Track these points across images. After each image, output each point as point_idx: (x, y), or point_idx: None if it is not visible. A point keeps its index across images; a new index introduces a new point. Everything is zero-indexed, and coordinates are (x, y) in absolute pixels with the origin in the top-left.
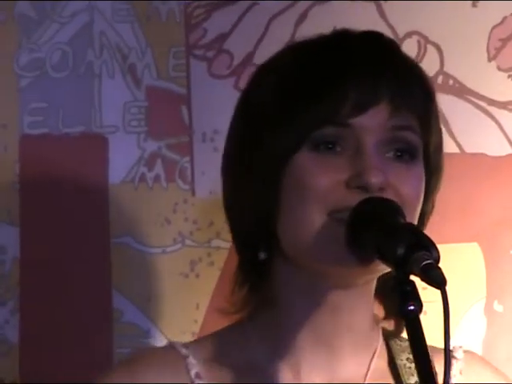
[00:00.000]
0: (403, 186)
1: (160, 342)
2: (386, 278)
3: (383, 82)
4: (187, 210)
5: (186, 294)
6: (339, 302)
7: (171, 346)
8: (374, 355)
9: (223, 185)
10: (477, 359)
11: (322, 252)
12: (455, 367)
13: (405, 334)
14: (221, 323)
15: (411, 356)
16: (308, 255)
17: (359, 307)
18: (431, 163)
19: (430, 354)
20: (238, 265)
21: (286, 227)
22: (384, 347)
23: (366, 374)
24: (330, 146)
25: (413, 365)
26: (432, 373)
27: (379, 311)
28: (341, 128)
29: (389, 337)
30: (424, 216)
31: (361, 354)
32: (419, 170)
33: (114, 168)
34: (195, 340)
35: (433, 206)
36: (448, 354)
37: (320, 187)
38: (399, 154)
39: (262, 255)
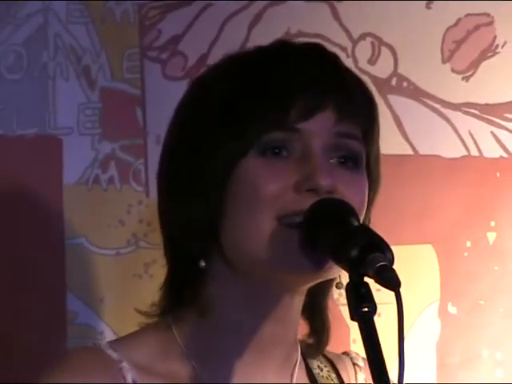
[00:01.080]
0: (349, 191)
1: None
2: (315, 291)
3: (329, 90)
4: (141, 211)
5: (140, 295)
6: (278, 312)
7: (98, 348)
8: (295, 366)
9: (159, 188)
10: None
11: (276, 259)
12: (360, 376)
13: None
14: None
15: (320, 363)
16: (259, 263)
17: (294, 319)
18: (372, 174)
19: (335, 362)
20: (171, 270)
21: (232, 235)
22: (301, 359)
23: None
24: (277, 150)
25: (323, 372)
26: (387, 375)
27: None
28: (288, 133)
29: (301, 344)
30: None
31: (287, 365)
32: (363, 178)
33: (68, 169)
34: (119, 341)
35: (369, 222)
36: (402, 357)
37: (268, 192)
38: (343, 161)
39: (202, 263)
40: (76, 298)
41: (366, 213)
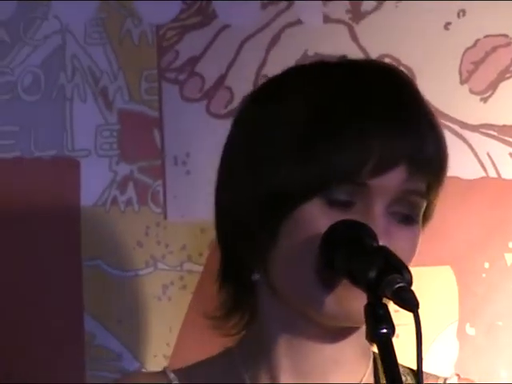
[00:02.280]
0: (401, 244)
1: (132, 365)
2: None
3: (405, 144)
4: (159, 233)
5: (159, 317)
6: (324, 339)
7: (162, 371)
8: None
9: (218, 206)
10: None
11: (310, 299)
12: None
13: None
14: (194, 346)
15: (404, 381)
16: (294, 299)
17: (346, 341)
18: (427, 219)
19: (425, 378)
20: (224, 281)
21: (280, 266)
22: (372, 375)
23: None
24: (341, 200)
25: None
26: None
27: None
28: (357, 187)
29: (379, 362)
30: None
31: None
32: (417, 231)
33: (86, 191)
34: (187, 366)
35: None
36: (421, 378)
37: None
38: (401, 215)
39: (257, 276)
40: (93, 319)
41: None
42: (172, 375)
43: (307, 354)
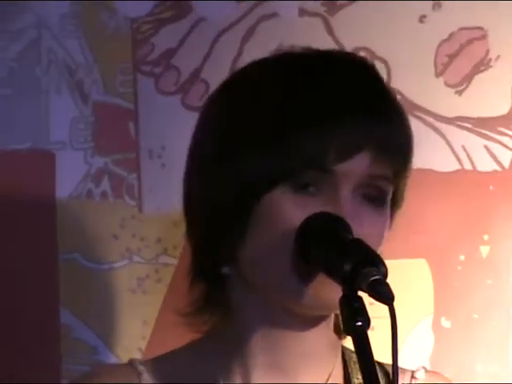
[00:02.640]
0: (370, 229)
1: (108, 358)
2: None
3: (371, 130)
4: (135, 226)
5: (134, 310)
6: (296, 330)
7: (129, 363)
8: (329, 377)
9: (187, 200)
10: (439, 381)
11: (277, 287)
12: None
13: None
14: (169, 339)
15: None
16: (270, 289)
17: (317, 332)
18: (396, 204)
19: (390, 373)
20: (195, 277)
21: (251, 256)
22: (341, 367)
23: None
24: (306, 187)
25: None
26: None
27: None
28: (322, 173)
29: (348, 355)
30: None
31: (316, 376)
32: (386, 215)
33: (61, 184)
34: (155, 357)
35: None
36: (396, 371)
37: (292, 223)
38: (368, 198)
39: (226, 270)
40: (69, 312)
41: None
42: (141, 367)
43: (281, 345)
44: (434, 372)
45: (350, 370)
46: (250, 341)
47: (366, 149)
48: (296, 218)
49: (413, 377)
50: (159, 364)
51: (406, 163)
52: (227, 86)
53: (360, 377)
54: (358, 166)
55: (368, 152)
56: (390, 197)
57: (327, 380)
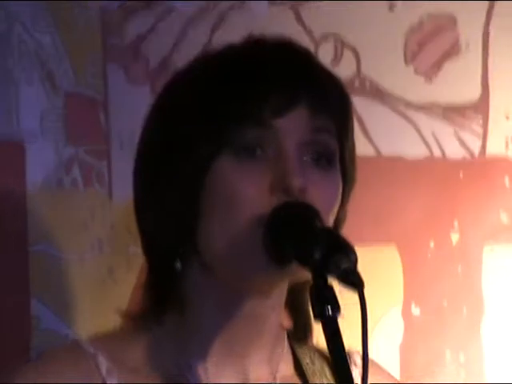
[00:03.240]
0: (320, 191)
1: None
2: (296, 287)
3: (303, 85)
4: (105, 215)
5: (104, 300)
6: (252, 312)
7: (77, 345)
8: (280, 361)
9: (135, 188)
10: (374, 366)
11: (240, 258)
12: (355, 373)
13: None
14: None
15: (313, 357)
16: (227, 263)
17: (271, 316)
18: (347, 171)
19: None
20: (149, 273)
21: (207, 235)
22: (289, 352)
23: (275, 379)
24: (251, 150)
25: (316, 366)
26: (351, 376)
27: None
28: (262, 130)
29: (292, 340)
30: (338, 225)
31: (268, 360)
32: (336, 177)
33: (31, 175)
34: (100, 337)
35: (345, 216)
36: (366, 358)
37: (244, 196)
38: (316, 157)
39: (178, 265)
40: (40, 303)
41: (340, 212)
42: (91, 348)
43: (235, 329)
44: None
45: (297, 354)
46: (205, 329)
47: (302, 102)
48: (243, 185)
49: (351, 361)
50: (106, 347)
51: (345, 118)
52: (172, 78)
53: (307, 360)
54: (296, 120)
55: (305, 105)
56: (337, 157)
57: (278, 363)
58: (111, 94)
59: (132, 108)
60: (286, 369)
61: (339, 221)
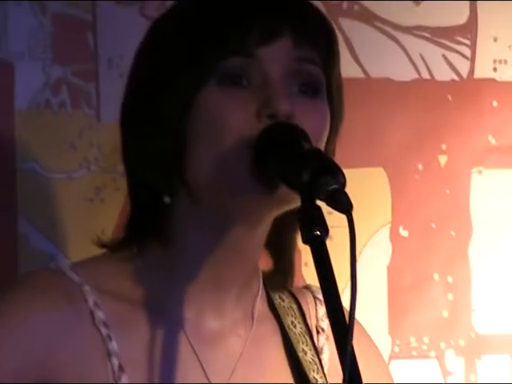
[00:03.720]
0: (308, 118)
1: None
2: (281, 225)
3: (286, 16)
4: (92, 135)
5: (92, 219)
6: (238, 244)
7: (60, 271)
8: (256, 297)
9: (122, 121)
10: (358, 325)
11: (227, 180)
12: (321, 310)
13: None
14: None
15: (282, 294)
16: (215, 187)
17: (254, 248)
18: (333, 101)
19: (296, 295)
20: (135, 204)
21: (195, 164)
22: (263, 289)
23: (253, 317)
24: (236, 79)
25: (285, 303)
26: (339, 298)
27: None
28: (247, 59)
29: (263, 277)
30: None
31: (247, 295)
32: (324, 106)
33: (19, 94)
34: (81, 264)
35: (334, 151)
36: (355, 280)
37: (230, 123)
38: (303, 88)
39: (167, 199)
40: (27, 222)
41: (330, 142)
42: (76, 277)
43: (219, 260)
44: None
45: (269, 291)
46: (190, 261)
47: (285, 33)
48: (229, 111)
49: (315, 297)
50: (89, 275)
51: (330, 47)
52: (169, 7)
53: (277, 297)
54: (280, 49)
55: (289, 36)
56: (324, 87)
57: (255, 300)
58: (99, 14)
59: (120, 28)
60: (262, 307)
61: (327, 152)
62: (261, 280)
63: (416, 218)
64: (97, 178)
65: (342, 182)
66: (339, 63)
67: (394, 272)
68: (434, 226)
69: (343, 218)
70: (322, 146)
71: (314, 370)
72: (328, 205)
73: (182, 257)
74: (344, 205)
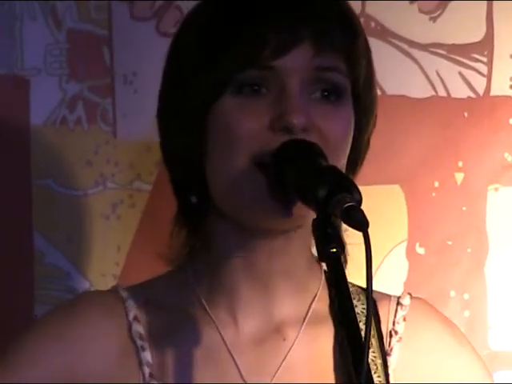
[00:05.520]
0: (329, 127)
1: (81, 284)
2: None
3: (303, 23)
4: (109, 151)
5: (108, 236)
6: (271, 246)
7: (113, 289)
8: (314, 299)
9: (159, 130)
10: (424, 306)
11: (244, 201)
12: (399, 314)
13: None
14: (143, 265)
15: (357, 302)
16: (230, 203)
17: (293, 250)
18: (361, 101)
19: (377, 301)
20: (177, 209)
21: (213, 174)
22: (326, 291)
23: (305, 318)
24: (256, 87)
25: (358, 309)
26: (355, 316)
27: None
28: (262, 71)
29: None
30: (359, 156)
31: (298, 297)
32: (347, 111)
33: (35, 110)
34: (138, 284)
35: (368, 145)
36: (370, 297)
37: (243, 133)
38: (326, 94)
39: (194, 199)
40: (43, 238)
41: (360, 142)
42: (125, 293)
43: (258, 267)
44: (418, 298)
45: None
46: (230, 266)
47: (304, 42)
48: (243, 121)
49: (399, 303)
50: (142, 290)
51: (354, 49)
52: (187, 15)
53: (357, 303)
54: (299, 58)
55: (307, 45)
56: (348, 91)
57: (312, 301)
58: (115, 30)
59: (136, 45)
60: (320, 308)
61: (360, 153)
62: (321, 281)
63: (432, 235)
64: (113, 195)
65: (358, 199)
66: (369, 60)
67: (411, 289)
68: (450, 243)
69: (359, 235)
70: (345, 152)
71: (371, 370)
72: (344, 222)
73: (223, 262)
74: (360, 222)
